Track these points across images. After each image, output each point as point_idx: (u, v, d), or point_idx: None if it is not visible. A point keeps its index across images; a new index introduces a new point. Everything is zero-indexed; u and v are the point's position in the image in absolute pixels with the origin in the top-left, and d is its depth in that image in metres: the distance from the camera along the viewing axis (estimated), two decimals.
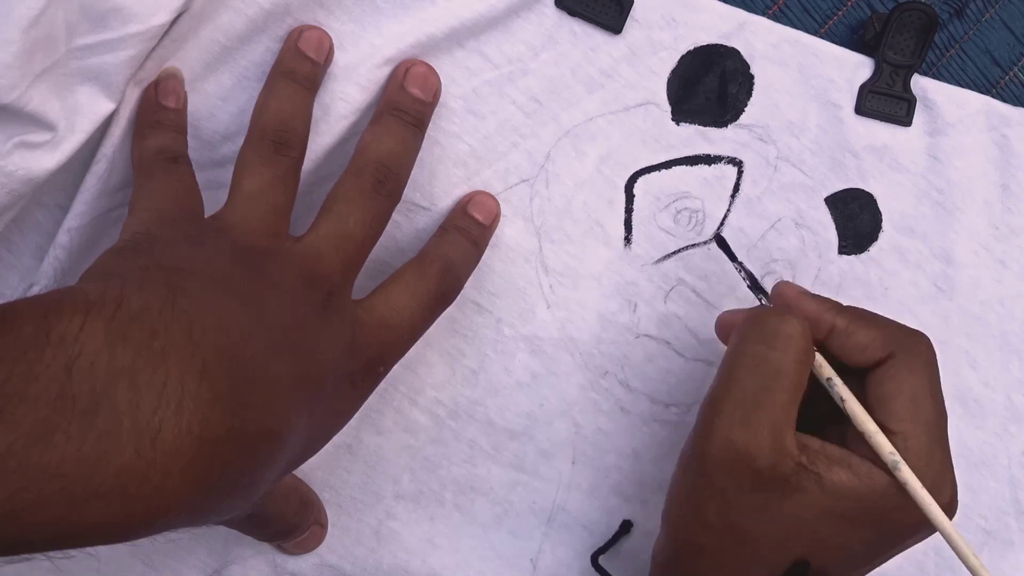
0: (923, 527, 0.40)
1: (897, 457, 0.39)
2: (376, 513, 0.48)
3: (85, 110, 0.40)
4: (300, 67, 0.42)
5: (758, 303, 0.45)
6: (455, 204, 0.47)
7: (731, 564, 0.41)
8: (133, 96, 0.42)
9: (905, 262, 0.51)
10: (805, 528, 0.39)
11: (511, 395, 0.49)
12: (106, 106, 0.40)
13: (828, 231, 0.51)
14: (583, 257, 0.49)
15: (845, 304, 0.42)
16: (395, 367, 0.47)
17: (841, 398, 0.40)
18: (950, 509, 0.40)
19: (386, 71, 0.44)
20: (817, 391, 0.41)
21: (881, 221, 0.51)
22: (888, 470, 0.39)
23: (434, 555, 0.49)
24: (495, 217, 0.47)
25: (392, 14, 0.44)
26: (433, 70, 0.44)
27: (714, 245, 0.49)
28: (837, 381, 0.41)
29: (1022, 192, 0.52)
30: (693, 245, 0.49)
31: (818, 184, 0.50)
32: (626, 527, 0.51)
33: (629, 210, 0.49)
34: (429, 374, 0.48)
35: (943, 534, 0.39)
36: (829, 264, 0.51)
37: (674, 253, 0.49)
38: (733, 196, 0.49)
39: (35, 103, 0.38)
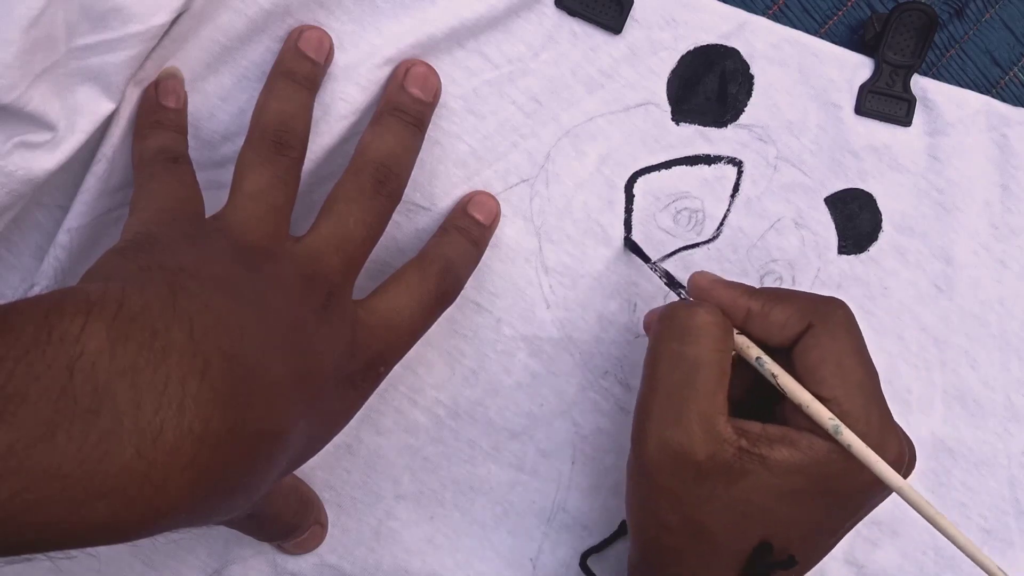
0: (876, 488, 0.40)
1: (836, 421, 0.39)
2: (376, 513, 0.48)
3: (85, 110, 0.40)
4: (300, 67, 0.42)
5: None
6: (455, 204, 0.47)
7: (694, 558, 0.41)
8: (133, 96, 0.42)
9: (905, 262, 0.51)
10: (759, 510, 0.40)
11: (511, 395, 0.49)
12: (106, 106, 0.40)
13: (828, 231, 0.51)
14: (583, 257, 0.49)
15: (759, 291, 0.43)
16: (395, 367, 0.47)
17: (772, 374, 0.40)
18: (899, 465, 0.40)
19: (386, 71, 0.44)
20: (757, 379, 0.42)
21: (881, 221, 0.51)
22: (831, 437, 0.39)
23: (434, 555, 0.49)
24: (495, 217, 0.47)
25: (392, 14, 0.44)
26: (433, 70, 0.44)
27: (714, 245, 0.49)
28: (765, 358, 0.41)
29: (1022, 192, 0.52)
30: (693, 245, 0.49)
31: (818, 184, 0.50)
32: (624, 528, 0.51)
33: (629, 210, 0.49)
34: (429, 374, 0.48)
35: (895, 490, 0.39)
36: (829, 264, 0.51)
37: (674, 253, 0.49)
38: (733, 196, 0.49)
39: (35, 103, 0.38)
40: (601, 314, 0.49)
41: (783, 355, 0.41)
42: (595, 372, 0.50)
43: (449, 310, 0.47)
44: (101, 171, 0.42)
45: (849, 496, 0.40)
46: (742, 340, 0.41)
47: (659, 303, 0.49)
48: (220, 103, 0.44)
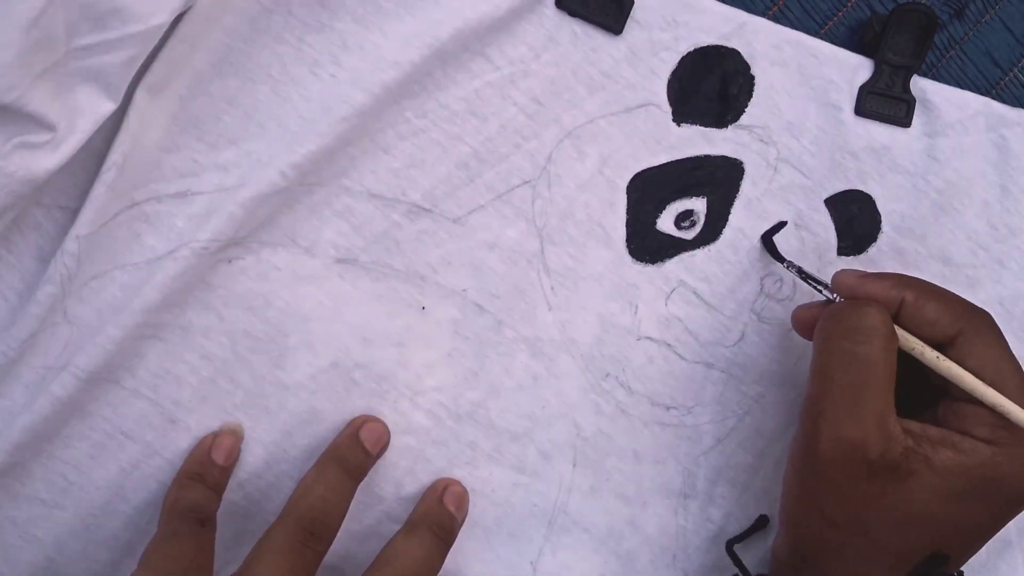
0: None
1: (1000, 399, 0.40)
2: (376, 514, 0.48)
3: (85, 110, 0.40)
4: (354, 457, 0.45)
5: (823, 297, 0.46)
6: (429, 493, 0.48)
7: (854, 556, 0.42)
8: (144, 102, 0.42)
9: (904, 263, 0.51)
10: (922, 512, 0.41)
11: (512, 397, 0.49)
12: (106, 106, 0.40)
13: (827, 232, 0.51)
14: (584, 259, 0.48)
15: (903, 274, 0.44)
16: (395, 368, 0.47)
17: (937, 356, 0.41)
18: None
19: (390, 74, 0.43)
20: (904, 379, 0.42)
21: (880, 222, 0.51)
22: (992, 440, 0.40)
23: None
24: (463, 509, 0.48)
25: (396, 14, 0.44)
26: (386, 429, 0.47)
27: (715, 246, 0.49)
28: (926, 349, 0.42)
29: (1021, 193, 0.52)
30: (694, 246, 0.49)
31: (817, 185, 0.50)
32: (762, 522, 0.51)
33: (630, 211, 0.49)
34: (430, 375, 0.48)
35: None
36: (828, 265, 0.51)
37: (675, 254, 0.49)
38: (733, 197, 0.49)
39: (35, 103, 0.38)
40: (602, 316, 0.49)
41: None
42: (596, 374, 0.49)
43: (450, 311, 0.47)
44: (111, 179, 0.42)
45: (1008, 499, 0.42)
46: (901, 334, 0.42)
47: (660, 305, 0.49)
48: (226, 106, 0.44)
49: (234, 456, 0.46)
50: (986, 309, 0.52)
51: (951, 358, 0.41)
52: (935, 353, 0.42)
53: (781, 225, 0.50)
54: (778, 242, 0.50)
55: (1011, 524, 0.53)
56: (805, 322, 0.46)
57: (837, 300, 0.45)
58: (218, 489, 0.45)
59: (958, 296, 0.43)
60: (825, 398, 0.42)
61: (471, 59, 0.45)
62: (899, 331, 0.42)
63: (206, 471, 0.45)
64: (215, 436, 0.45)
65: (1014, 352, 0.53)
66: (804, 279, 0.47)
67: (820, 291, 0.46)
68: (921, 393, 0.43)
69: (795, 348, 0.51)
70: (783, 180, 0.50)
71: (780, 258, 0.49)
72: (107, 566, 0.46)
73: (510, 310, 0.48)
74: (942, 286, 0.44)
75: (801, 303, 0.47)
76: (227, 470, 0.45)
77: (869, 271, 0.44)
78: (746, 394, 0.51)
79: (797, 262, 0.49)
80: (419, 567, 0.44)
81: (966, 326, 0.41)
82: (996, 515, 0.42)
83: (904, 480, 0.40)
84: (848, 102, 0.50)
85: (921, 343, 0.42)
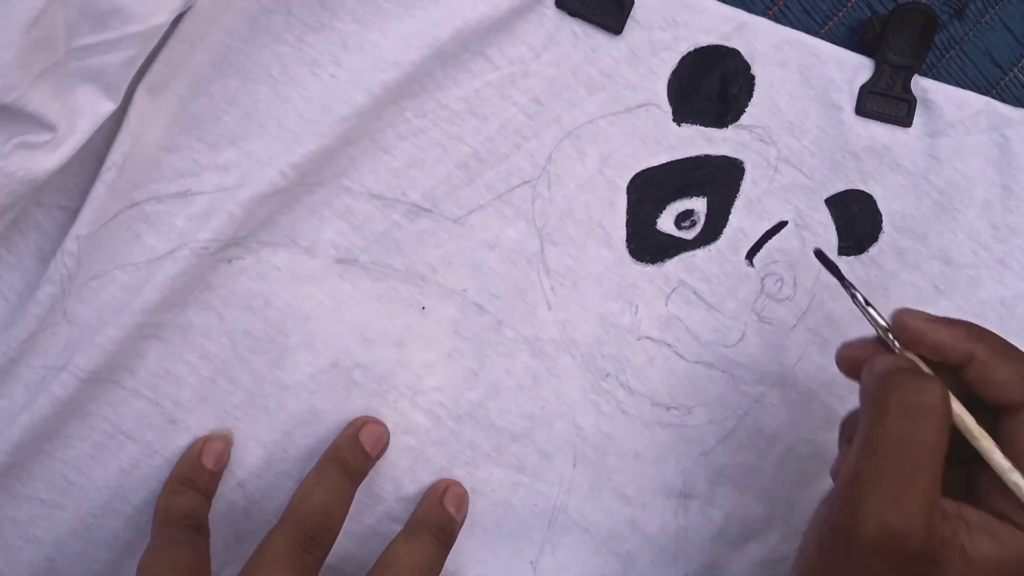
0: None
1: None
2: (376, 514, 0.48)
3: (85, 110, 0.40)
4: (354, 459, 0.45)
5: (864, 314, 0.42)
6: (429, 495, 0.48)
7: None
8: (144, 102, 0.42)
9: (905, 263, 0.51)
10: None
11: (512, 397, 0.49)
12: (106, 106, 0.40)
13: (828, 232, 0.51)
14: (584, 259, 0.48)
15: (976, 324, 0.40)
16: (395, 368, 0.47)
17: (975, 437, 0.38)
18: None
19: (390, 74, 0.43)
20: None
21: (881, 222, 0.51)
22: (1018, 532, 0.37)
23: None
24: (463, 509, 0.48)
25: (395, 14, 0.44)
26: (386, 430, 0.47)
27: (715, 246, 0.49)
28: (984, 435, 0.38)
29: (1022, 192, 0.52)
30: (695, 246, 0.49)
31: (818, 185, 0.50)
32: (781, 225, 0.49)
33: (630, 211, 0.49)
34: (430, 375, 0.48)
35: None
36: None
37: (675, 254, 0.49)
38: (734, 197, 0.49)
39: (35, 103, 0.38)
40: (603, 316, 0.49)
41: (983, 409, 0.39)
42: (597, 374, 0.49)
43: (450, 311, 0.47)
44: (111, 179, 0.42)
45: None
46: (961, 410, 0.38)
47: (660, 305, 0.49)
48: (226, 106, 0.44)
49: (224, 461, 0.46)
50: (987, 312, 0.52)
51: (1012, 426, 0.38)
52: (991, 443, 0.38)
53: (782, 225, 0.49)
54: (779, 241, 0.50)
55: None
56: (854, 364, 0.42)
57: (894, 344, 0.41)
58: (209, 494, 0.45)
59: None
60: (874, 480, 0.37)
61: (471, 59, 0.45)
62: (956, 407, 0.38)
63: (196, 476, 0.45)
64: (205, 441, 0.45)
65: None
66: (863, 310, 0.42)
67: (876, 328, 0.42)
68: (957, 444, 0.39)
69: (795, 348, 0.51)
70: (784, 180, 0.50)
71: (844, 280, 0.44)
72: (107, 566, 0.46)
73: (510, 310, 0.48)
74: (1013, 344, 0.40)
75: (848, 340, 0.43)
76: (217, 475, 0.45)
77: (937, 316, 0.40)
78: (747, 394, 0.51)
79: (797, 262, 0.49)
80: (420, 571, 0.43)
81: None
82: None
83: (938, 572, 0.36)
84: (849, 102, 0.50)
85: (979, 430, 0.38)
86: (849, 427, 0.43)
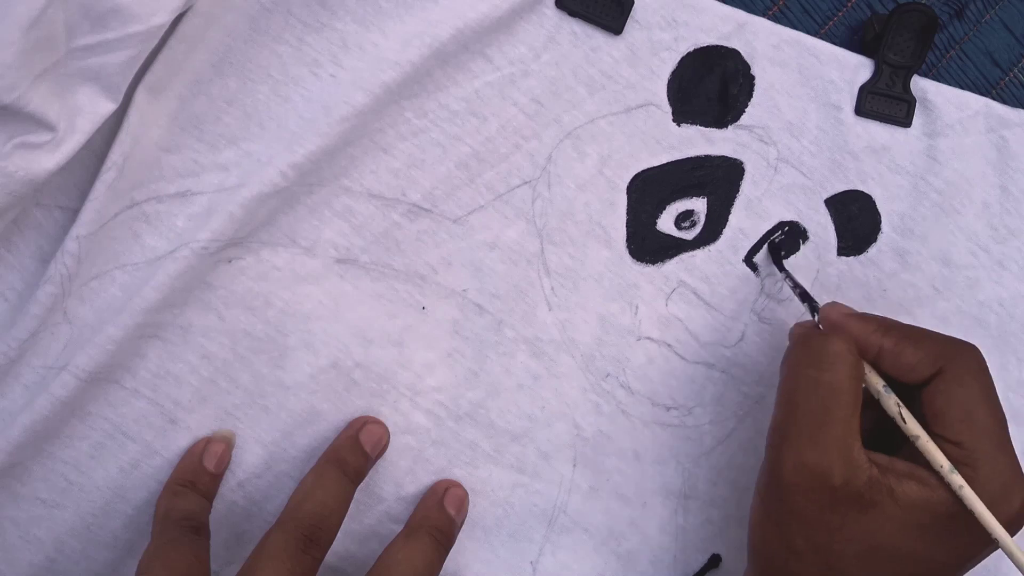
0: (990, 537, 0.40)
1: (950, 464, 0.39)
2: (376, 514, 0.48)
3: (85, 110, 0.40)
4: (353, 459, 0.45)
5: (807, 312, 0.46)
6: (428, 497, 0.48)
7: None
8: (143, 102, 0.42)
9: (904, 263, 0.51)
10: (886, 544, 0.40)
11: (512, 397, 0.49)
12: (106, 107, 0.40)
13: (827, 232, 0.51)
14: (584, 259, 0.48)
15: (887, 318, 0.43)
16: (395, 368, 0.47)
17: (898, 403, 0.41)
18: (1020, 519, 0.40)
19: (390, 74, 0.43)
20: (878, 419, 0.42)
21: (880, 222, 0.51)
22: (942, 479, 0.39)
23: None
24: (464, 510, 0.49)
25: (395, 14, 0.44)
26: (386, 429, 0.47)
27: (715, 246, 0.49)
28: (889, 391, 0.42)
29: (1021, 194, 0.52)
30: (694, 247, 0.49)
31: (818, 185, 0.50)
32: (715, 561, 0.51)
33: (630, 211, 0.49)
34: (430, 375, 0.48)
35: (998, 541, 0.39)
36: (828, 266, 0.51)
37: (675, 255, 0.49)
38: (734, 197, 0.49)
39: (35, 104, 0.37)
40: (602, 316, 0.49)
41: (911, 394, 0.42)
42: (596, 374, 0.49)
43: (451, 311, 0.47)
44: (111, 179, 0.42)
45: (975, 538, 0.40)
46: (867, 371, 0.42)
47: (660, 305, 0.49)
48: (226, 106, 0.44)
49: (225, 463, 0.46)
50: (985, 313, 0.53)
51: (926, 394, 0.41)
52: (894, 399, 0.41)
53: (782, 227, 0.49)
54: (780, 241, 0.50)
55: None
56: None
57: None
58: (209, 496, 0.45)
59: (942, 335, 0.43)
60: (789, 424, 0.41)
61: (471, 59, 0.45)
62: (866, 369, 0.42)
63: (197, 478, 0.45)
64: (206, 443, 0.45)
65: (1015, 353, 0.53)
66: (796, 293, 0.47)
67: (807, 308, 0.46)
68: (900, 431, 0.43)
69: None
70: (783, 180, 0.50)
71: (780, 267, 0.49)
72: (107, 566, 0.46)
73: (510, 310, 0.48)
74: (921, 327, 0.43)
75: (800, 319, 0.47)
76: (218, 477, 0.45)
77: (855, 312, 0.44)
78: (747, 395, 0.51)
79: (797, 263, 0.49)
80: (418, 573, 0.43)
81: (946, 364, 0.41)
82: (962, 554, 0.41)
83: (868, 510, 0.40)
84: (848, 102, 0.50)
85: (883, 387, 0.42)
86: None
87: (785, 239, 0.50)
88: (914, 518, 0.40)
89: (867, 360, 0.42)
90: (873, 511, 0.40)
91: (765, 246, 0.50)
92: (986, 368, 0.42)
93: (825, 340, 0.42)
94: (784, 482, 0.41)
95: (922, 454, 0.40)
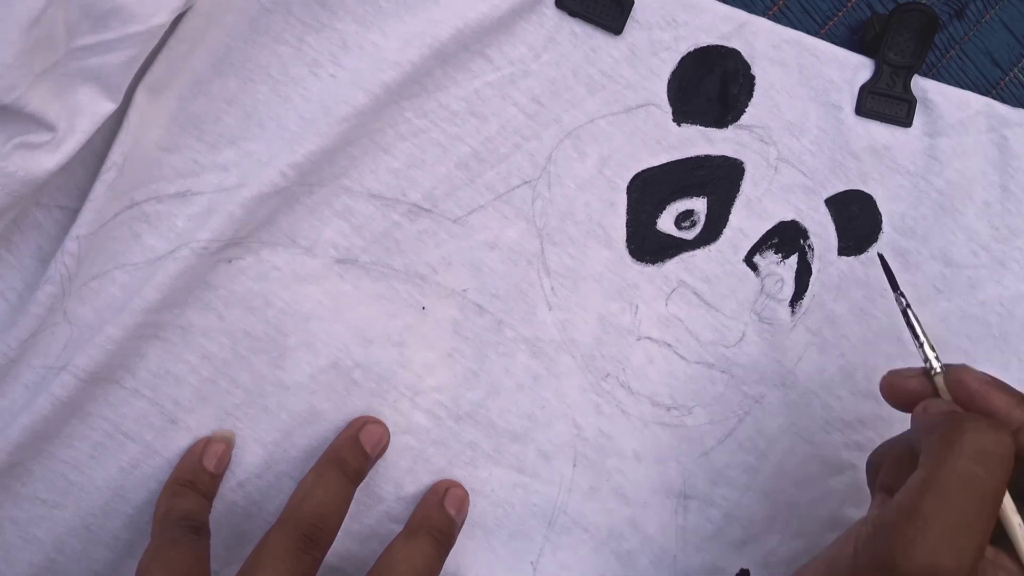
0: None
1: None
2: (376, 514, 0.48)
3: (85, 110, 0.40)
4: (353, 460, 0.45)
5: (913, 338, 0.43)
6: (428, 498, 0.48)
7: None
8: (143, 102, 0.42)
9: (904, 263, 0.51)
10: None
11: (512, 397, 0.49)
12: (106, 106, 0.40)
13: (828, 232, 0.51)
14: (584, 259, 0.48)
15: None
16: (395, 368, 0.47)
17: (1020, 524, 0.38)
18: None
19: (390, 74, 0.43)
20: None
21: (881, 222, 0.51)
22: None
23: None
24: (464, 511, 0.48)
25: (395, 14, 0.44)
26: (386, 430, 0.47)
27: (715, 246, 0.49)
28: (1011, 513, 0.38)
29: (1021, 193, 0.52)
30: (695, 246, 0.49)
31: (818, 185, 0.50)
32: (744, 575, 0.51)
33: (630, 211, 0.49)
34: (430, 375, 0.48)
35: None
36: (829, 265, 0.51)
37: (675, 255, 0.49)
38: (734, 197, 0.49)
39: (35, 104, 0.37)
40: (602, 316, 0.49)
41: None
42: (596, 374, 0.49)
43: (451, 311, 0.47)
44: (111, 179, 0.42)
45: None
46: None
47: (660, 305, 0.49)
48: (226, 106, 0.44)
49: (225, 463, 0.46)
50: (987, 312, 0.52)
51: None
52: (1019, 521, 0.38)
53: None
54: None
55: None
56: (900, 392, 0.42)
57: (934, 373, 0.42)
58: (209, 496, 0.45)
59: None
60: (933, 518, 0.36)
61: (471, 59, 0.45)
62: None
63: (198, 478, 0.45)
64: (206, 443, 0.45)
65: (1016, 353, 0.53)
66: (914, 334, 0.43)
67: (925, 362, 0.42)
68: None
69: (795, 348, 0.51)
70: (783, 180, 0.50)
71: (896, 289, 0.44)
72: (107, 566, 0.46)
73: (510, 310, 0.48)
74: None
75: (896, 369, 0.43)
76: (217, 477, 0.45)
77: (992, 378, 0.40)
78: (747, 394, 0.51)
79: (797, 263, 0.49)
80: (418, 573, 0.43)
81: None
82: None
83: None
84: (849, 102, 0.50)
85: (1013, 510, 0.38)
86: (878, 466, 0.43)
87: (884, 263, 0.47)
88: None
89: None
90: None
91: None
92: None
93: (996, 436, 0.37)
94: (904, 574, 0.36)
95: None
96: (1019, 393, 0.39)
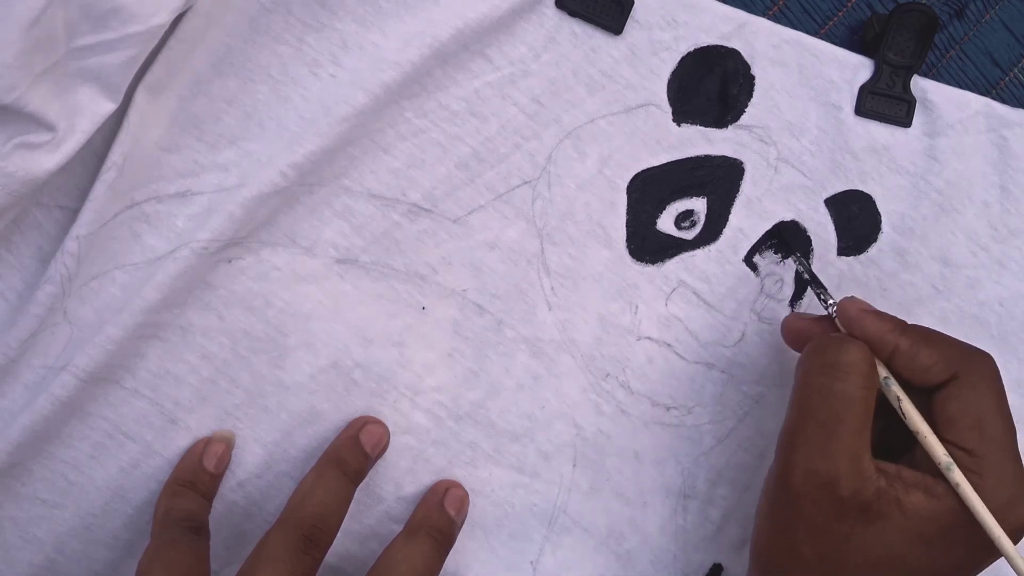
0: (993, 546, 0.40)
1: (949, 459, 0.39)
2: (377, 514, 0.48)
3: (85, 110, 0.40)
4: (354, 460, 0.45)
5: (821, 306, 0.46)
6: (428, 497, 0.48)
7: None
8: (143, 102, 0.42)
9: (904, 263, 0.51)
10: (893, 555, 0.40)
11: (512, 397, 0.49)
12: (106, 106, 0.40)
13: (827, 232, 0.51)
14: (584, 259, 0.48)
15: (903, 320, 0.43)
16: (395, 368, 0.47)
17: (897, 398, 0.41)
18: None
19: (390, 74, 0.43)
20: (890, 422, 0.42)
21: (880, 222, 0.51)
22: (949, 489, 0.39)
23: None
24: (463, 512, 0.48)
25: (395, 14, 0.44)
26: (386, 430, 0.47)
27: (715, 246, 0.49)
28: (892, 382, 0.42)
29: (1021, 193, 0.52)
30: (694, 246, 0.49)
31: (818, 185, 0.50)
32: (716, 571, 0.52)
33: (630, 211, 0.49)
34: (430, 375, 0.48)
35: (996, 544, 0.39)
36: (828, 266, 0.51)
37: (675, 255, 0.49)
38: (734, 197, 0.49)
39: (35, 104, 0.37)
40: (603, 316, 0.49)
41: (919, 395, 0.42)
42: (596, 374, 0.49)
43: (451, 311, 0.47)
44: (111, 179, 0.42)
45: (980, 546, 0.40)
46: (883, 371, 0.42)
47: (660, 305, 0.49)
48: (226, 106, 0.44)
49: (225, 463, 0.46)
50: (986, 312, 0.52)
51: (939, 399, 0.41)
52: (895, 390, 0.41)
53: (789, 225, 0.49)
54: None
55: None
56: (796, 333, 0.46)
57: (834, 317, 0.45)
58: (209, 496, 0.45)
59: (957, 341, 0.42)
60: (800, 431, 0.41)
61: (471, 59, 0.45)
62: (882, 373, 0.42)
63: (198, 478, 0.45)
64: (206, 443, 0.45)
65: (1015, 353, 0.53)
66: (810, 283, 0.46)
67: (822, 302, 0.46)
68: (907, 433, 0.42)
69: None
70: (783, 180, 0.50)
71: (789, 250, 0.48)
72: (107, 566, 0.46)
73: (510, 310, 0.48)
74: (938, 330, 0.43)
75: (797, 311, 0.47)
76: (217, 478, 0.45)
77: (873, 309, 0.44)
78: (746, 394, 0.51)
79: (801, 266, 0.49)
80: (418, 574, 0.43)
81: (961, 371, 0.41)
82: (966, 565, 0.41)
83: (875, 521, 0.40)
84: (848, 102, 0.50)
85: (884, 378, 0.42)
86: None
87: (788, 229, 0.49)
88: (920, 529, 0.39)
89: (881, 358, 0.42)
90: (880, 522, 0.39)
91: (768, 239, 0.50)
92: (1000, 378, 0.42)
93: (840, 348, 0.42)
94: (792, 489, 0.41)
95: (925, 451, 0.40)
96: (898, 320, 0.43)
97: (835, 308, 0.45)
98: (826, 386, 0.41)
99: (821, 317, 0.46)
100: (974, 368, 0.41)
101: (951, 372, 0.41)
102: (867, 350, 0.42)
